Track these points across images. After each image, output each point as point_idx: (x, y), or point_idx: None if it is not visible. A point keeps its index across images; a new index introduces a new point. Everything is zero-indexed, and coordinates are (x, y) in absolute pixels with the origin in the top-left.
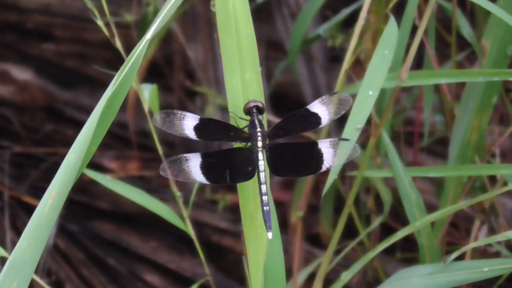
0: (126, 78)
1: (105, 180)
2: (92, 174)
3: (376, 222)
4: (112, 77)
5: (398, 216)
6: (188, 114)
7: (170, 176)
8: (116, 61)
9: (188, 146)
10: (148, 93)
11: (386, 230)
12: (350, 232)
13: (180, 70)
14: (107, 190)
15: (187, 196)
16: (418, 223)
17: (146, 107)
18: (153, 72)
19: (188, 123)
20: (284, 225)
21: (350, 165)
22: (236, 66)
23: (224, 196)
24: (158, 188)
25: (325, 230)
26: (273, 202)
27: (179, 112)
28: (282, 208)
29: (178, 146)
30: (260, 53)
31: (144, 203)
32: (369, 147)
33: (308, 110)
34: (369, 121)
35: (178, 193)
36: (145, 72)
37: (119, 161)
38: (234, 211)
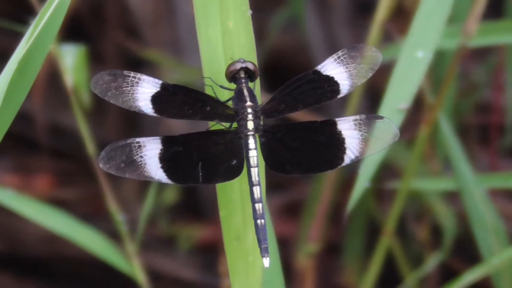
0: (48, 27)
1: (7, 196)
2: None
3: (431, 261)
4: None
5: (466, 253)
6: (145, 77)
7: (114, 170)
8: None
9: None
10: (72, 59)
11: (446, 274)
12: (390, 279)
13: (116, 28)
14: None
15: (132, 223)
16: (497, 260)
17: (68, 81)
18: (73, 31)
19: (144, 91)
20: (287, 272)
21: (388, 173)
22: (215, 8)
23: (188, 229)
24: (82, 216)
25: (351, 278)
26: (269, 215)
27: (132, 74)
28: (281, 247)
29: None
30: None
31: (71, 235)
32: (419, 143)
33: (319, 73)
34: (418, 102)
35: (119, 217)
36: (60, 31)
37: (20, 174)
38: (204, 252)
